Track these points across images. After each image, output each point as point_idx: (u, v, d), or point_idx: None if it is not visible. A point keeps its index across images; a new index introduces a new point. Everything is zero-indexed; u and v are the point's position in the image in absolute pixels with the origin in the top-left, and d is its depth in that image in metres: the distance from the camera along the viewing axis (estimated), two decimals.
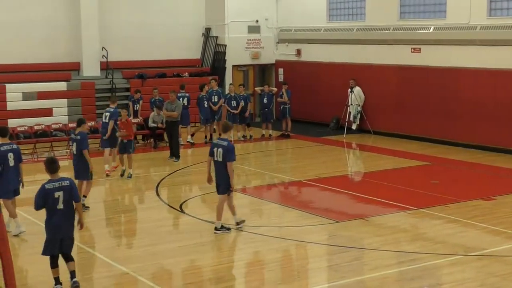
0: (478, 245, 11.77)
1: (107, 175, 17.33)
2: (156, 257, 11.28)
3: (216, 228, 12.43)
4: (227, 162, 12.18)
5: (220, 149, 12.24)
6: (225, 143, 12.29)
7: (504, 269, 10.57)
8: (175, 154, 19.40)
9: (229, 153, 12.17)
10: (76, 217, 9.82)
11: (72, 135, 14.90)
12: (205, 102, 22.24)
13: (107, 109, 17.91)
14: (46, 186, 9.55)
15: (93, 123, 22.00)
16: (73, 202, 9.66)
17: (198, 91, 22.57)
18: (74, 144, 14.09)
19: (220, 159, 12.24)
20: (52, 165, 9.66)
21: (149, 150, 20.81)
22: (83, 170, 14.10)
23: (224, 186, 12.38)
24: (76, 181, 13.04)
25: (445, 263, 10.81)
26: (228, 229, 12.50)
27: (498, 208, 14.11)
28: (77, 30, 24.69)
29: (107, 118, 17.48)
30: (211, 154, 12.41)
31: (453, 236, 12.34)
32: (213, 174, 12.61)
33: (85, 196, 14.10)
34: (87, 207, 14.03)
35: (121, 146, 17.35)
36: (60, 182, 9.58)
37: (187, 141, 21.77)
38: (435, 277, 10.37)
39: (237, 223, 12.66)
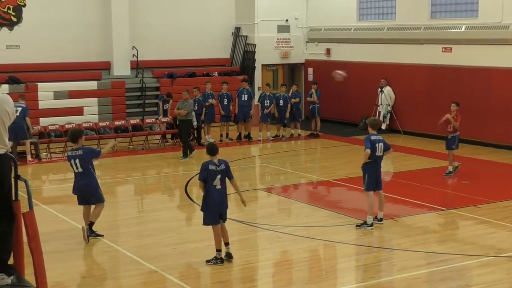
0: (509, 247, 11.62)
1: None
2: (185, 255, 11.31)
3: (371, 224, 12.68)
4: (389, 151, 13.06)
5: (381, 144, 12.66)
6: (381, 137, 12.83)
7: None
8: (183, 152, 19.72)
9: (387, 144, 12.83)
10: None
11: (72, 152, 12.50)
12: (209, 101, 22.44)
13: (244, 90, 22.75)
14: None
15: (122, 122, 22.17)
16: None
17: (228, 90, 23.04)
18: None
19: (381, 154, 12.69)
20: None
21: (178, 149, 20.85)
22: None
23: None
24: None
25: (475, 264, 10.69)
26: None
27: None
28: (108, 30, 24.89)
29: (247, 97, 22.68)
30: (373, 149, 12.58)
31: (484, 237, 12.20)
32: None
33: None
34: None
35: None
36: None
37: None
38: (465, 278, 10.27)
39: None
